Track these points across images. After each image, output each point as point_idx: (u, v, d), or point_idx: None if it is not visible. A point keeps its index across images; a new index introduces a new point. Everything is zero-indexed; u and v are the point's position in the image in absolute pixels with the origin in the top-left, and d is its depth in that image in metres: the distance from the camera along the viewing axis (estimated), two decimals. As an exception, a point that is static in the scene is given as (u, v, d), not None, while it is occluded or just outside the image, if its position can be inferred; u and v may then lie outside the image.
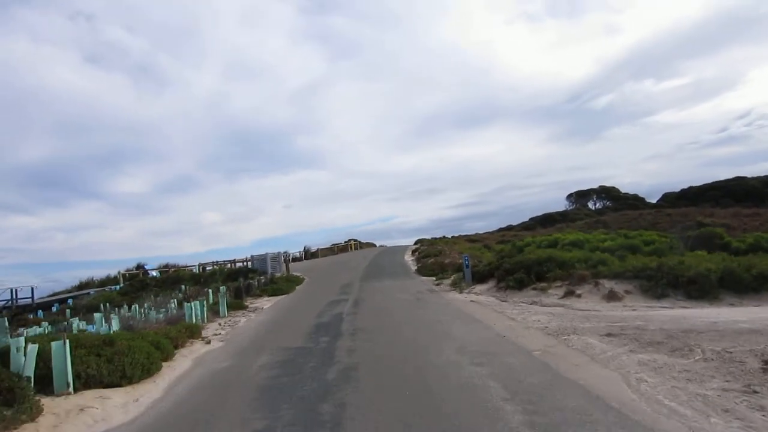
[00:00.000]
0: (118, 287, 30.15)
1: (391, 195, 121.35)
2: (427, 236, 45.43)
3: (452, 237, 46.65)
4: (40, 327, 12.33)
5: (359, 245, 47.69)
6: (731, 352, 5.50)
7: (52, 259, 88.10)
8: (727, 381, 4.63)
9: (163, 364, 7.09)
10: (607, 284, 12.78)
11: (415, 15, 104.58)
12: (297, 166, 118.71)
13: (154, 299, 21.84)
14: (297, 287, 19.78)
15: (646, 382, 4.81)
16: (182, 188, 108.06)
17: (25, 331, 10.40)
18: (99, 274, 35.58)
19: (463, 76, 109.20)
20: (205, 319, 11.70)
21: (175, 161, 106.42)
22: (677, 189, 69.05)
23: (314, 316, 11.27)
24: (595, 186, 77.05)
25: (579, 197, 79.34)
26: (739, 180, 66.02)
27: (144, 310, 11.21)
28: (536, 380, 5.10)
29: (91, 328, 10.85)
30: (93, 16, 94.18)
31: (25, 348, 5.21)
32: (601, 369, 5.45)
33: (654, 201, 71.72)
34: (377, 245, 51.15)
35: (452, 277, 17.96)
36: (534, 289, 13.60)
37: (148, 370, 6.32)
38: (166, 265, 37.93)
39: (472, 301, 12.88)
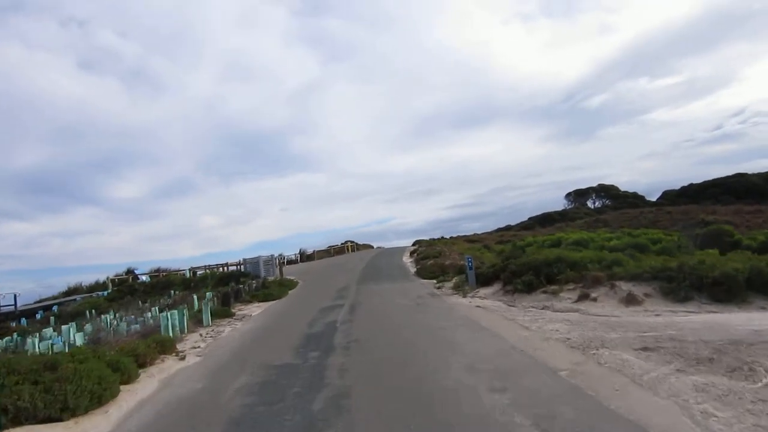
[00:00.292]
0: (105, 293, 28.99)
1: (388, 196, 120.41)
2: (425, 237, 44.46)
3: (450, 238, 45.67)
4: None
5: (356, 247, 46.63)
6: (807, 373, 4.49)
7: (49, 265, 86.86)
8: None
9: (123, 388, 6.03)
10: (624, 286, 11.76)
11: (411, 16, 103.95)
12: (294, 168, 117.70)
13: (141, 305, 20.78)
14: (290, 291, 18.70)
15: (716, 417, 3.79)
16: (179, 192, 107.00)
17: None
18: (93, 279, 34.36)
19: (460, 76, 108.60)
20: (186, 330, 10.62)
21: (171, 165, 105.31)
22: (673, 187, 68.46)
23: (305, 324, 10.21)
24: (593, 185, 76.34)
25: (578, 196, 78.64)
26: (740, 177, 65.44)
27: (116, 321, 10.09)
28: (573, 413, 4.07)
29: (58, 342, 9.78)
30: (85, 21, 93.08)
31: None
32: (650, 396, 4.41)
33: (654, 199, 71.02)
34: (375, 247, 50.11)
35: (454, 280, 16.93)
36: (544, 292, 12.57)
37: (99, 399, 5.26)
38: (158, 270, 36.76)
39: (477, 306, 11.85)
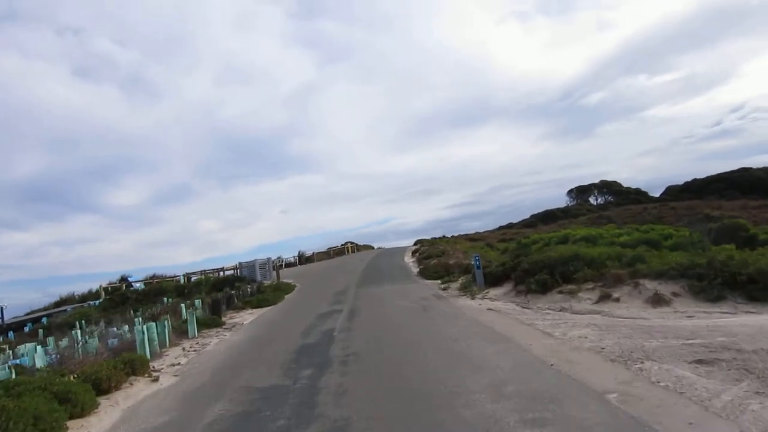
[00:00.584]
0: (97, 303, 27.86)
1: (388, 197, 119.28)
2: (425, 237, 43.42)
3: (451, 237, 44.71)
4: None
5: (356, 248, 45.57)
6: None
7: (50, 274, 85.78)
8: None
9: (73, 423, 5.00)
10: (649, 285, 10.73)
11: (408, 16, 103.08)
12: (293, 170, 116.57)
13: (132, 314, 19.72)
14: (286, 296, 17.65)
15: None
16: (178, 197, 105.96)
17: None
18: (95, 287, 33.19)
19: (458, 76, 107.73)
20: (167, 343, 9.58)
21: (169, 171, 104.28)
22: (672, 183, 67.61)
23: (299, 334, 9.18)
24: (593, 181, 75.41)
25: (580, 193, 77.72)
26: (744, 171, 64.50)
27: (88, 335, 9.01)
28: (645, 462, 3.03)
29: (25, 361, 8.74)
30: (81, 29, 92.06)
31: None
32: (738, 433, 3.38)
33: (657, 195, 70.08)
34: (375, 247, 49.08)
35: (460, 280, 15.89)
36: (560, 292, 11.52)
37: (35, 442, 4.21)
38: (153, 276, 35.66)
39: (488, 309, 10.81)
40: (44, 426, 4.32)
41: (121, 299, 26.89)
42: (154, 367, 7.72)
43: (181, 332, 11.02)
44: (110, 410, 5.63)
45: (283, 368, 6.58)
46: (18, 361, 8.72)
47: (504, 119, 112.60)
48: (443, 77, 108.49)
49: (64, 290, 33.90)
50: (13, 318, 28.17)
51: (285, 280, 23.33)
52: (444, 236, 44.63)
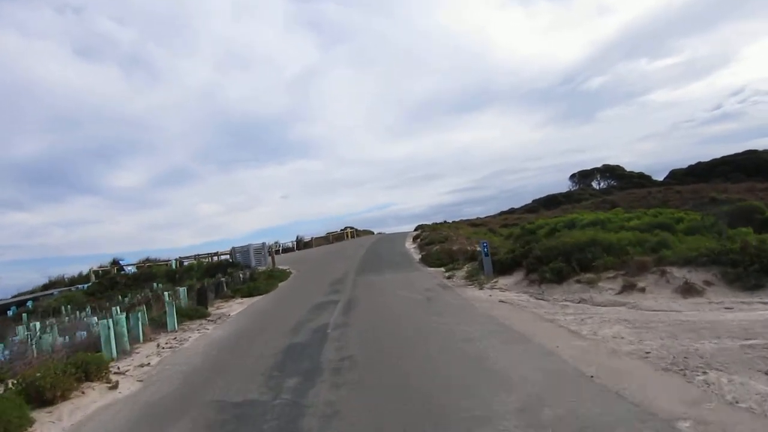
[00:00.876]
0: (86, 286, 26.86)
1: (388, 182, 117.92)
2: (426, 222, 42.42)
3: (453, 222, 43.68)
4: None
5: (356, 233, 44.54)
6: None
7: (52, 255, 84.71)
8: None
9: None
10: (677, 273, 9.71)
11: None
12: (293, 155, 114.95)
13: (120, 299, 18.75)
14: (280, 284, 16.63)
15: None
16: (179, 180, 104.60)
17: None
18: (86, 269, 32.09)
19: (458, 60, 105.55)
20: (141, 338, 8.56)
21: (170, 153, 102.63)
22: (673, 167, 66.50)
23: (288, 330, 8.14)
24: (595, 166, 74.29)
25: (582, 177, 76.63)
26: (750, 153, 63.29)
27: (39, 332, 7.93)
28: None
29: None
30: (81, 8, 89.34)
31: None
32: None
33: (660, 179, 68.97)
34: (375, 232, 48.07)
35: (465, 268, 14.86)
36: (578, 281, 10.49)
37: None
38: (146, 260, 34.59)
39: (500, 301, 9.77)
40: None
41: (110, 283, 25.91)
42: (118, 368, 6.70)
43: (160, 324, 10.01)
44: (48, 429, 4.59)
45: (265, 376, 5.53)
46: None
47: (505, 104, 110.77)
48: (444, 61, 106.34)
49: (64, 271, 32.78)
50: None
51: (281, 267, 22.32)
52: (445, 221, 43.65)
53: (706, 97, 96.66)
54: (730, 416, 3.43)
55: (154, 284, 22.55)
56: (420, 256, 20.60)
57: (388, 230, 51.32)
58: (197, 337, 8.82)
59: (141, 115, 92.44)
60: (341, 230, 43.86)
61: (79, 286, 27.67)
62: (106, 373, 5.99)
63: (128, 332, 8.33)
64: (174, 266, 27.80)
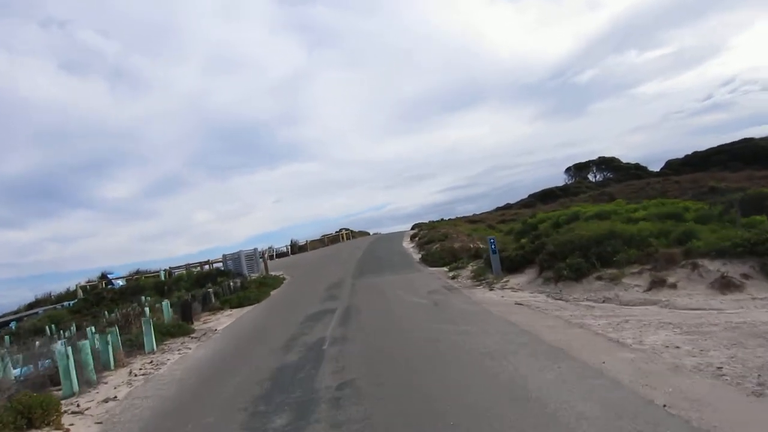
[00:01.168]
0: (71, 304, 25.54)
1: (382, 183, 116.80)
2: (422, 221, 41.42)
3: (449, 220, 42.74)
4: None
5: (352, 234, 43.48)
6: None
7: (48, 270, 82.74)
8: None
9: None
10: (711, 266, 8.78)
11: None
12: (285, 159, 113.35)
13: (107, 316, 17.61)
14: (272, 292, 15.57)
15: None
16: (171, 189, 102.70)
17: None
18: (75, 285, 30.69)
19: (448, 58, 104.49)
20: (112, 364, 7.48)
21: (161, 163, 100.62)
22: (665, 158, 66.04)
23: (279, 348, 7.10)
24: (590, 159, 73.64)
25: (578, 170, 75.95)
26: (746, 142, 62.88)
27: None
28: None
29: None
30: (65, 21, 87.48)
31: None
32: None
33: (656, 170, 68.45)
34: (371, 233, 47.05)
35: (470, 267, 13.88)
36: (599, 278, 9.54)
37: None
38: (136, 272, 33.36)
39: (517, 303, 8.78)
40: None
41: (97, 299, 24.67)
42: (78, 405, 5.64)
43: (138, 345, 8.94)
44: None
45: (248, 412, 4.49)
46: None
47: (496, 100, 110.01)
48: (433, 60, 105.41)
49: (60, 287, 31.29)
50: (-20, 322, 25.78)
51: (274, 273, 21.25)
52: (441, 219, 42.70)
53: (697, 87, 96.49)
54: None
55: (143, 297, 21.37)
56: (420, 255, 19.62)
57: (384, 230, 50.41)
58: (176, 359, 7.74)
59: (130, 125, 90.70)
60: (336, 232, 42.82)
61: (65, 303, 26.36)
62: (57, 416, 4.91)
63: (97, 358, 7.26)
64: (163, 277, 26.58)
